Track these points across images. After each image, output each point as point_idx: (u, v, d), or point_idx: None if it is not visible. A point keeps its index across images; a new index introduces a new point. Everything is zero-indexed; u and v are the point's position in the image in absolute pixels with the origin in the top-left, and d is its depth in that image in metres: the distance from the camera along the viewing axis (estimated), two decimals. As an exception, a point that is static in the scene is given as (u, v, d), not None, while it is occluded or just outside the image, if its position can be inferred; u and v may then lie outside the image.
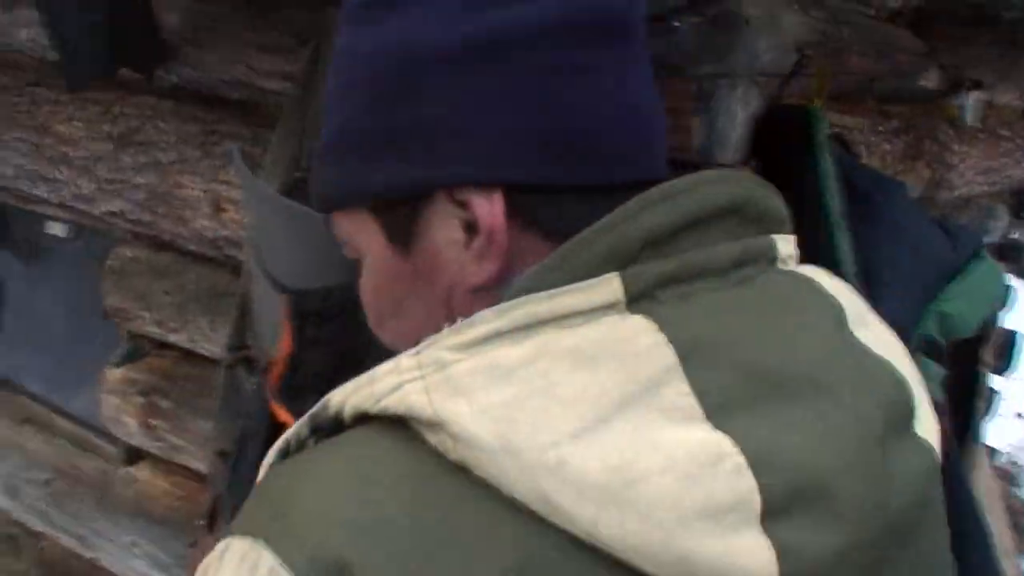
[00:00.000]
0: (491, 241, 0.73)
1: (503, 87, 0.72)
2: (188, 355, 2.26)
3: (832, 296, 0.76)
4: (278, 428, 1.84)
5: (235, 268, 2.07)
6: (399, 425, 0.65)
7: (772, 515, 0.62)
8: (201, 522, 1.91)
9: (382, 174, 0.75)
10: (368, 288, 0.83)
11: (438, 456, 0.63)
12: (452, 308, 0.77)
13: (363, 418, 0.68)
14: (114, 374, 2.31)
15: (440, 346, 0.66)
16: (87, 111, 2.21)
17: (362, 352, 1.33)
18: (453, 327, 0.67)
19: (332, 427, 0.69)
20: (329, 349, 1.42)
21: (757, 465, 0.62)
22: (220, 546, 0.65)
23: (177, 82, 2.09)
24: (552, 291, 0.66)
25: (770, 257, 0.75)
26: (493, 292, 0.73)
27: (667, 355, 0.64)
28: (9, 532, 2.97)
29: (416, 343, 0.69)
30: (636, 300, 0.66)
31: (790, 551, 0.62)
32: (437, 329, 0.69)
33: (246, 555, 0.63)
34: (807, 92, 1.50)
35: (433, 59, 0.73)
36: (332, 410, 0.69)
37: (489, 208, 0.72)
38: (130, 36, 1.98)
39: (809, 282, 0.76)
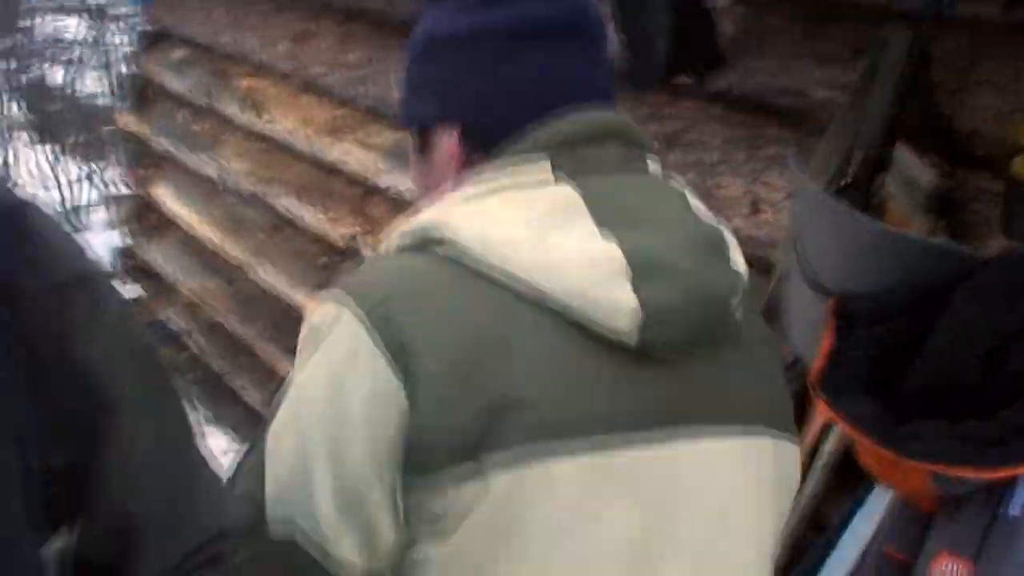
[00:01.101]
0: (451, 156, 1.20)
1: (471, 64, 1.19)
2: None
3: (683, 190, 1.20)
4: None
5: (764, 268, 2.15)
6: (421, 248, 1.12)
7: (636, 280, 1.07)
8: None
9: (415, 109, 1.25)
10: (414, 176, 1.31)
11: (441, 258, 1.09)
12: (446, 190, 1.20)
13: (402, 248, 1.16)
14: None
15: (446, 203, 1.14)
16: (637, 112, 2.37)
17: (907, 354, 1.37)
18: (454, 194, 1.15)
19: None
20: (873, 350, 1.46)
21: (627, 254, 1.07)
22: (321, 305, 1.11)
23: (726, 88, 2.21)
24: (508, 170, 1.13)
25: (643, 167, 1.19)
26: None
27: (579, 202, 1.11)
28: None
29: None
30: (559, 177, 1.12)
31: (646, 299, 1.07)
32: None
33: (335, 312, 1.09)
34: None
35: (438, 42, 1.21)
36: (384, 244, 1.19)
37: (450, 138, 1.20)
38: (690, 43, 2.12)
39: (667, 180, 1.21)
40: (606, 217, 1.11)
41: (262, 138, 4.08)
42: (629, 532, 1.12)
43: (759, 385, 1.24)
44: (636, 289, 1.07)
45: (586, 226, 1.10)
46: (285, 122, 3.86)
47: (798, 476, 1.35)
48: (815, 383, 1.49)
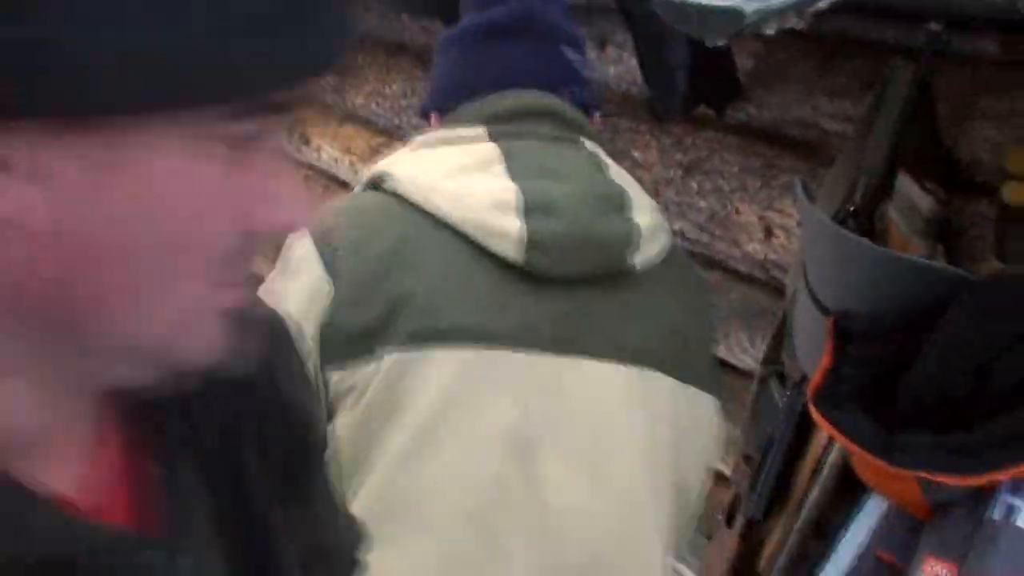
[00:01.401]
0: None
1: (442, 64, 1.56)
2: (722, 364, 2.45)
3: (605, 160, 1.50)
4: (800, 438, 1.99)
5: (776, 289, 2.24)
6: (372, 186, 1.46)
7: (528, 214, 1.35)
8: (719, 516, 2.09)
9: (424, 102, 1.64)
10: None
11: (383, 192, 1.42)
12: None
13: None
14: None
15: (398, 153, 1.50)
16: (662, 141, 2.49)
17: (901, 370, 1.45)
18: (405, 146, 1.53)
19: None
20: (869, 367, 1.54)
21: (524, 193, 1.36)
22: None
23: (744, 119, 2.31)
24: (447, 130, 1.49)
25: (573, 141, 1.47)
26: None
27: (498, 155, 1.40)
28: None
29: None
30: (486, 138, 1.43)
31: (533, 229, 1.34)
32: None
33: (297, 237, 1.39)
34: None
35: (435, 51, 1.60)
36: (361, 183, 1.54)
37: (437, 120, 1.56)
38: (710, 76, 2.22)
39: (593, 154, 1.49)
40: (519, 169, 1.40)
41: (306, 167, 4.21)
42: (510, 425, 1.35)
43: (661, 333, 1.45)
44: (526, 220, 1.36)
45: (497, 172, 1.40)
46: (330, 151, 3.99)
47: (715, 431, 1.57)
48: (813, 398, 1.58)
